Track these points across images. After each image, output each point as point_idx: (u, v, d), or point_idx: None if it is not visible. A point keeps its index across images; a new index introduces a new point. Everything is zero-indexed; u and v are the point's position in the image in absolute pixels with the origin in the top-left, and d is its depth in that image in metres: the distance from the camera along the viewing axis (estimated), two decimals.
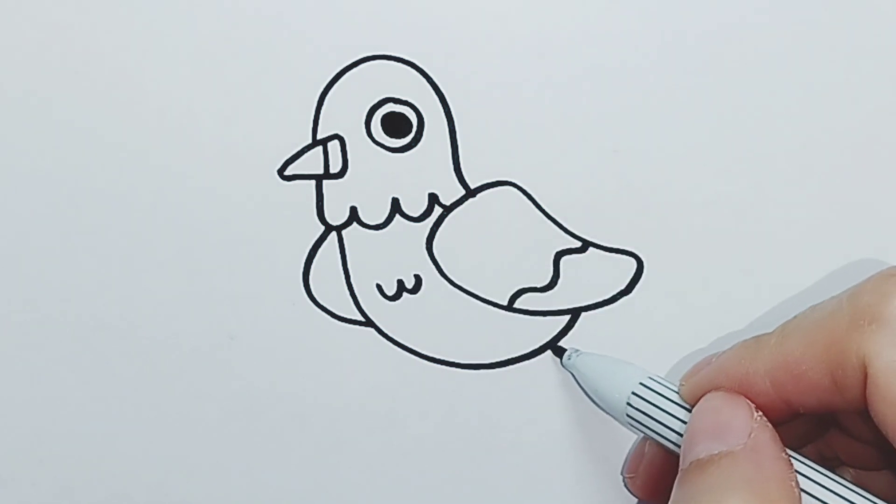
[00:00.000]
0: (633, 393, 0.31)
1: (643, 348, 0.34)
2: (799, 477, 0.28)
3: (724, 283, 0.34)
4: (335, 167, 0.34)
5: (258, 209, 0.34)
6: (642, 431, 0.31)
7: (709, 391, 0.30)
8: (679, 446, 0.30)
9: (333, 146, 0.34)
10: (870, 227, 0.34)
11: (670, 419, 0.30)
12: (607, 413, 0.32)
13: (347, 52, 0.34)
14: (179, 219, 0.34)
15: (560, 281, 0.34)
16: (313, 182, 0.34)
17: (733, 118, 0.34)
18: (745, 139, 0.34)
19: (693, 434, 0.29)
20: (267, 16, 0.34)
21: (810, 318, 0.29)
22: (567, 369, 0.33)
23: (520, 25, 0.34)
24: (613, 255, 0.34)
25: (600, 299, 0.34)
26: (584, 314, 0.34)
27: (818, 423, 0.31)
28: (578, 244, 0.34)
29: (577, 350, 0.33)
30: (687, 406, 0.30)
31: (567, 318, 0.34)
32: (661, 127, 0.34)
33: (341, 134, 0.34)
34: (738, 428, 0.28)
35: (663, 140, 0.34)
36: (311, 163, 0.34)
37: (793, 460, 0.28)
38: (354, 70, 0.34)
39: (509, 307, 0.34)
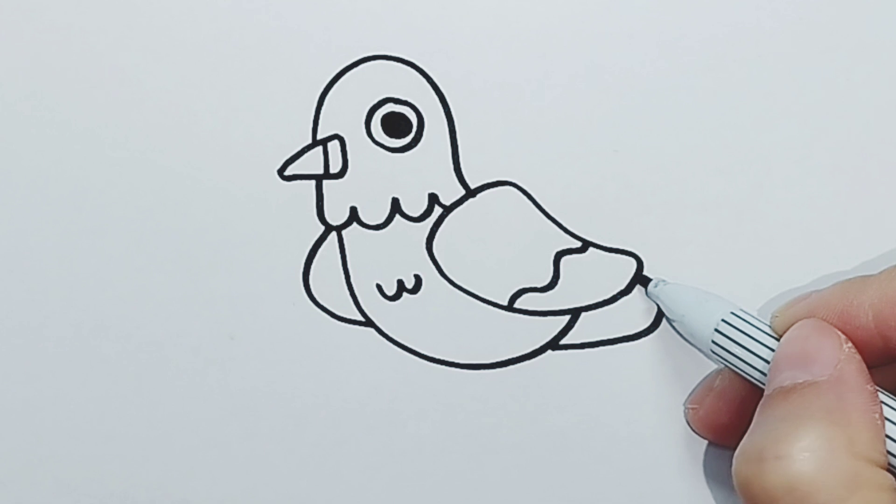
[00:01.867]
0: (723, 320, 0.31)
1: (643, 349, 0.34)
2: (884, 408, 0.28)
3: (724, 283, 0.34)
4: (335, 167, 0.34)
5: (258, 209, 0.34)
6: (726, 363, 0.31)
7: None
8: (762, 381, 0.30)
9: (333, 146, 0.34)
10: (870, 227, 0.34)
11: (758, 350, 0.30)
12: (690, 343, 0.33)
13: (347, 52, 0.34)
14: (179, 219, 0.34)
15: (560, 281, 0.34)
16: (313, 182, 0.34)
17: (733, 118, 0.34)
18: (746, 139, 0.34)
19: (779, 361, 0.29)
20: (267, 16, 0.34)
21: None
22: (651, 299, 0.33)
23: (520, 25, 0.34)
24: (613, 255, 0.34)
25: (600, 299, 0.34)
26: (584, 314, 0.34)
27: None
28: (578, 244, 0.34)
29: (663, 280, 0.33)
30: (776, 337, 0.30)
31: (567, 318, 0.34)
32: (661, 127, 0.34)
33: (341, 134, 0.34)
34: (825, 357, 0.28)
35: (663, 140, 0.34)
36: (311, 163, 0.34)
37: (879, 393, 0.28)
38: (354, 70, 0.34)
39: (509, 307, 0.34)
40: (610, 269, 0.34)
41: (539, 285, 0.34)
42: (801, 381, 0.28)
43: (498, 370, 0.34)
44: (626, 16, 0.34)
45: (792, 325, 0.30)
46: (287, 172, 0.34)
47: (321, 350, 0.34)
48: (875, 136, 0.34)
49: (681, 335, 0.33)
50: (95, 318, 0.35)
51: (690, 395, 0.34)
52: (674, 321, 0.33)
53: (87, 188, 0.34)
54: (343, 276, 0.34)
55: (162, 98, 0.34)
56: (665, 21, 0.34)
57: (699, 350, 0.33)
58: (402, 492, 0.35)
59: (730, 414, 0.32)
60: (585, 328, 0.34)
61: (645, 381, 0.34)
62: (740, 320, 0.31)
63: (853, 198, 0.34)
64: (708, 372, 0.34)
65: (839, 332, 0.29)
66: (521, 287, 0.34)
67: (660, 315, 0.34)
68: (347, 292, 0.34)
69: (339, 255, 0.34)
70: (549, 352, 0.34)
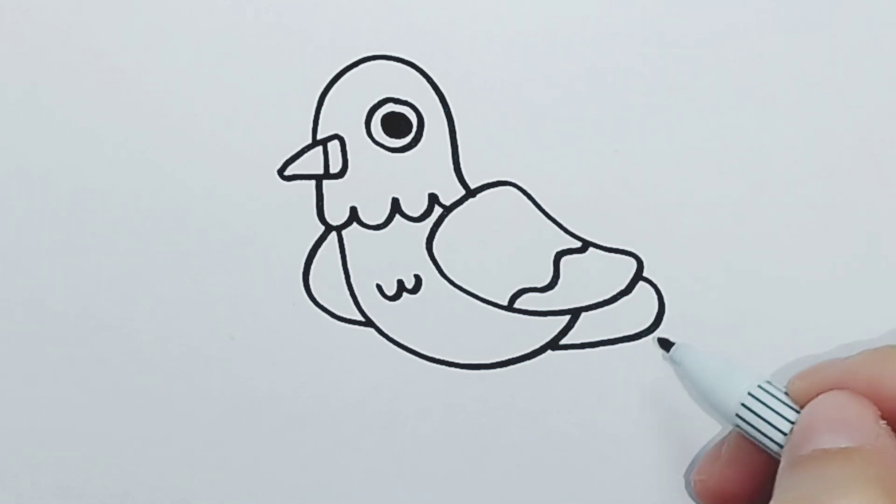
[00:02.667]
0: (749, 394, 0.30)
1: (643, 349, 0.34)
2: None
3: (724, 283, 0.34)
4: (335, 167, 0.34)
5: (258, 209, 0.34)
6: (749, 435, 0.31)
7: (829, 388, 0.30)
8: (779, 451, 0.30)
9: (333, 146, 0.34)
10: (870, 227, 0.34)
11: (778, 423, 0.30)
12: (711, 411, 0.33)
13: (347, 52, 0.34)
14: (179, 219, 0.34)
15: (560, 281, 0.34)
16: (313, 182, 0.34)
17: (733, 118, 0.34)
18: (746, 139, 0.34)
19: (815, 423, 0.29)
20: (267, 16, 0.34)
21: None
22: (672, 363, 0.33)
23: (520, 25, 0.34)
24: (613, 255, 0.34)
25: (600, 299, 0.34)
26: (584, 314, 0.34)
27: None
28: (578, 244, 0.34)
29: (686, 344, 0.33)
30: (796, 408, 0.30)
31: (567, 318, 0.34)
32: (661, 127, 0.34)
33: (341, 134, 0.34)
34: (867, 426, 0.28)
35: (663, 140, 0.34)
36: (311, 163, 0.34)
37: None
38: (354, 70, 0.34)
39: (509, 307, 0.34)
40: (610, 269, 0.34)
41: (539, 285, 0.34)
42: (843, 445, 0.27)
43: (498, 370, 0.34)
44: (626, 16, 0.34)
45: (817, 392, 0.30)
46: (287, 172, 0.34)
47: (321, 350, 0.34)
48: (875, 136, 0.34)
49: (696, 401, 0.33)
50: (95, 318, 0.35)
51: (690, 466, 0.34)
52: (696, 392, 0.33)
53: (87, 188, 0.34)
54: (343, 276, 0.34)
55: (162, 98, 0.34)
56: (665, 21, 0.34)
57: (717, 418, 0.33)
58: (402, 492, 0.35)
59: (742, 482, 0.32)
60: (585, 328, 0.34)
61: (645, 381, 0.34)
62: (766, 394, 0.31)
63: (853, 198, 0.34)
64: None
65: (870, 402, 0.29)
66: (521, 287, 0.34)
67: (660, 315, 0.34)
68: (347, 292, 0.34)
69: (339, 255, 0.34)
70: (549, 352, 0.34)
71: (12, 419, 0.35)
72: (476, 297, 0.34)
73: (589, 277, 0.34)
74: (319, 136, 0.34)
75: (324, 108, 0.34)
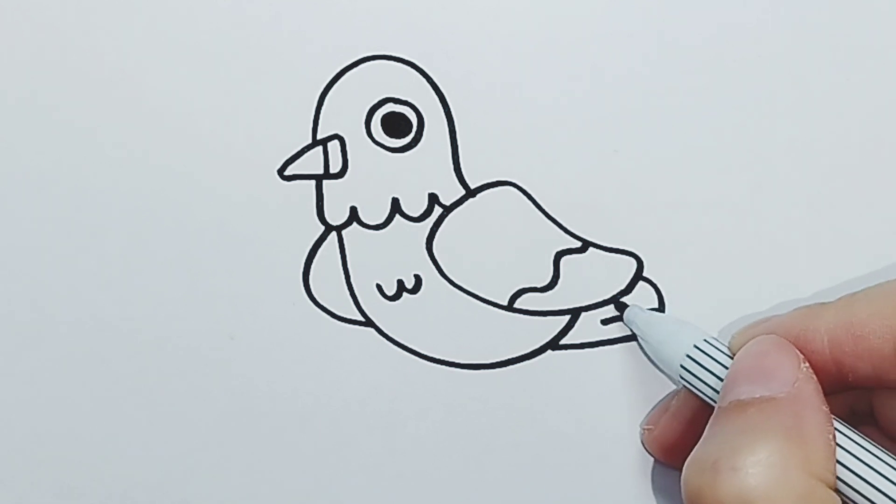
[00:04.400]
0: (695, 346, 0.31)
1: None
2: (836, 433, 0.28)
3: (724, 282, 0.34)
4: (335, 167, 0.34)
5: (258, 209, 0.34)
6: (693, 388, 0.31)
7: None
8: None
9: (333, 146, 0.34)
10: (870, 227, 0.34)
11: (720, 373, 0.30)
12: (660, 369, 0.33)
13: (347, 52, 0.34)
14: (179, 219, 0.34)
15: (560, 281, 0.34)
16: (313, 182, 0.34)
17: (733, 119, 0.34)
18: (745, 140, 0.34)
19: (736, 374, 0.29)
20: (267, 16, 0.34)
21: (879, 288, 0.29)
22: (627, 325, 0.34)
23: (520, 25, 0.34)
24: (613, 255, 0.34)
25: (600, 299, 0.34)
26: (584, 314, 0.34)
27: (851, 415, 0.31)
28: (578, 244, 0.34)
29: (637, 306, 0.34)
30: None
31: (567, 318, 0.34)
32: (661, 128, 0.34)
33: (341, 134, 0.34)
34: (783, 374, 0.28)
35: (663, 140, 0.34)
36: (311, 163, 0.34)
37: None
38: (354, 70, 0.34)
39: (509, 307, 0.34)
40: (610, 269, 0.34)
41: (539, 285, 0.34)
42: (758, 395, 0.28)
43: (498, 370, 0.34)
44: (626, 16, 0.34)
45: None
46: (287, 172, 0.34)
47: (321, 350, 0.34)
48: (875, 136, 0.34)
49: (651, 361, 0.33)
50: (95, 318, 0.35)
51: (646, 417, 0.34)
52: (646, 348, 0.33)
53: (87, 188, 0.34)
54: (343, 276, 0.34)
55: (162, 98, 0.34)
56: (665, 21, 0.34)
57: (668, 377, 0.33)
58: (402, 492, 0.35)
59: (684, 434, 0.32)
60: (585, 328, 0.34)
61: (645, 381, 0.34)
62: (710, 347, 0.31)
63: (853, 198, 0.34)
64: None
65: (797, 351, 0.29)
66: (521, 287, 0.34)
67: None
68: (347, 292, 0.34)
69: (339, 255, 0.34)
70: (549, 352, 0.34)
71: (12, 419, 0.35)
72: (476, 297, 0.34)
73: (589, 277, 0.34)
74: (319, 136, 0.34)
75: (324, 108, 0.34)
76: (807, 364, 0.29)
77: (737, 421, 0.27)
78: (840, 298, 0.30)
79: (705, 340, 0.31)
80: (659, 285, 0.34)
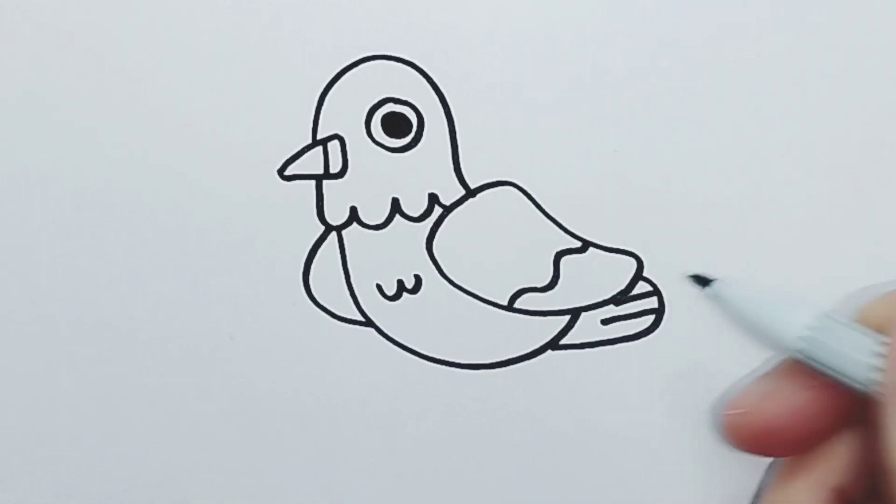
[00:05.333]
0: (816, 319, 0.29)
1: (643, 349, 0.34)
2: None
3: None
4: (335, 167, 0.34)
5: (258, 209, 0.34)
6: (819, 364, 0.29)
7: None
8: (859, 384, 0.28)
9: (333, 146, 0.34)
10: (870, 227, 0.34)
11: (856, 350, 0.28)
12: (767, 344, 0.31)
13: (347, 52, 0.34)
14: (179, 219, 0.34)
15: (560, 281, 0.34)
16: (313, 182, 0.34)
17: (733, 118, 0.34)
18: (746, 139, 0.34)
19: None
20: (267, 16, 0.34)
21: None
22: (715, 300, 0.32)
23: (520, 25, 0.34)
24: (613, 255, 0.34)
25: (600, 299, 0.34)
26: (584, 314, 0.34)
27: None
28: (578, 244, 0.34)
29: (727, 280, 0.32)
30: (879, 338, 0.29)
31: (567, 318, 0.34)
32: (661, 127, 0.34)
33: (341, 134, 0.34)
34: None
35: (663, 140, 0.34)
36: (311, 163, 0.34)
37: None
38: (354, 70, 0.34)
39: (509, 307, 0.34)
40: (610, 269, 0.34)
41: (539, 285, 0.34)
42: None
43: (498, 370, 0.34)
44: (626, 16, 0.34)
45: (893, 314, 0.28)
46: (287, 172, 0.34)
47: (321, 350, 0.34)
48: (875, 136, 0.34)
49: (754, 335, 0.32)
50: (95, 318, 0.35)
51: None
52: (750, 324, 0.31)
53: (87, 188, 0.34)
54: (343, 276, 0.34)
55: (162, 98, 0.34)
56: (665, 21, 0.34)
57: (780, 353, 0.31)
58: (402, 492, 0.35)
59: (787, 416, 0.30)
60: (585, 328, 0.34)
61: (645, 381, 0.34)
62: (833, 322, 0.29)
63: (853, 198, 0.34)
64: (713, 372, 0.33)
65: None
66: (521, 287, 0.34)
67: (660, 315, 0.34)
68: (347, 292, 0.34)
69: (339, 255, 0.34)
70: (549, 352, 0.34)
71: (12, 419, 0.35)
72: (476, 297, 0.34)
73: (589, 277, 0.34)
74: (319, 136, 0.34)
75: (324, 108, 0.34)
76: None
77: None
78: None
79: (827, 316, 0.29)
80: (659, 285, 0.34)
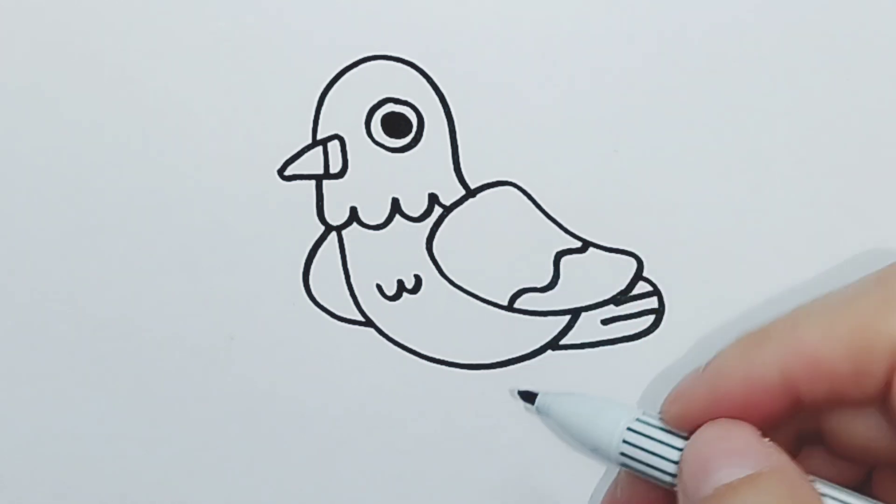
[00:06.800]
0: (629, 429, 0.30)
1: (643, 349, 0.34)
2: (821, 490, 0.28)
3: (724, 283, 0.34)
4: (335, 167, 0.34)
5: (258, 209, 0.34)
6: (637, 472, 0.30)
7: (704, 407, 0.29)
8: (672, 477, 0.29)
9: (333, 146, 0.34)
10: (870, 227, 0.34)
11: (666, 453, 0.29)
12: (591, 454, 0.32)
13: (347, 52, 0.34)
14: (179, 219, 0.34)
15: (560, 281, 0.34)
16: (313, 182, 0.34)
17: (733, 118, 0.34)
18: (745, 139, 0.34)
19: (706, 460, 0.28)
20: (267, 16, 0.34)
21: (829, 302, 0.28)
22: (541, 415, 0.32)
23: (520, 25, 0.34)
24: (613, 255, 0.34)
25: (600, 299, 0.34)
26: (584, 314, 0.34)
27: (798, 438, 0.31)
28: (578, 244, 0.34)
29: (549, 393, 0.32)
30: (680, 434, 0.29)
31: (567, 318, 0.34)
32: (661, 127, 0.34)
33: (341, 134, 0.34)
34: (757, 449, 0.27)
35: (663, 140, 0.34)
36: (311, 163, 0.34)
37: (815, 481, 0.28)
38: (354, 70, 0.34)
39: (509, 307, 0.34)
40: (610, 269, 0.34)
41: (539, 285, 0.34)
42: (743, 475, 0.27)
43: (498, 370, 0.34)
44: (626, 16, 0.34)
45: (693, 414, 0.29)
46: (287, 172, 0.34)
47: (321, 350, 0.34)
48: (875, 136, 0.34)
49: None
50: (95, 318, 0.35)
51: None
52: (573, 438, 0.32)
53: (87, 187, 0.34)
54: (343, 276, 0.34)
55: (162, 98, 0.34)
56: (665, 20, 0.34)
57: (602, 459, 0.32)
58: (402, 492, 0.35)
59: None
60: (585, 328, 0.34)
61: (645, 381, 0.34)
62: (645, 426, 0.30)
63: (853, 198, 0.34)
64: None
65: (750, 425, 0.28)
66: (521, 287, 0.34)
67: (660, 315, 0.34)
68: (347, 292, 0.34)
69: (339, 255, 0.34)
70: (549, 352, 0.34)
71: (12, 419, 0.35)
72: (476, 297, 0.34)
73: (589, 277, 0.34)
74: (319, 136, 0.34)
75: (324, 108, 0.34)
76: (766, 438, 0.28)
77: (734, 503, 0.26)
78: (779, 321, 0.28)
79: (638, 420, 0.30)
80: (659, 285, 0.34)
